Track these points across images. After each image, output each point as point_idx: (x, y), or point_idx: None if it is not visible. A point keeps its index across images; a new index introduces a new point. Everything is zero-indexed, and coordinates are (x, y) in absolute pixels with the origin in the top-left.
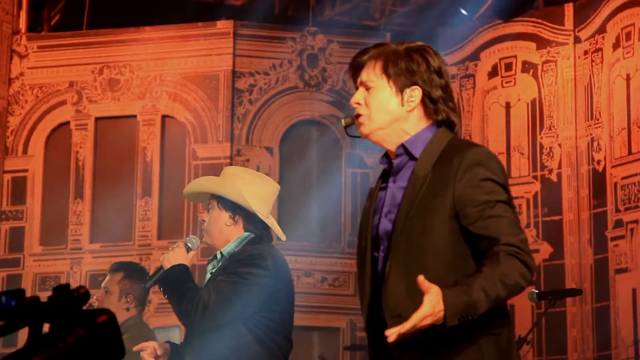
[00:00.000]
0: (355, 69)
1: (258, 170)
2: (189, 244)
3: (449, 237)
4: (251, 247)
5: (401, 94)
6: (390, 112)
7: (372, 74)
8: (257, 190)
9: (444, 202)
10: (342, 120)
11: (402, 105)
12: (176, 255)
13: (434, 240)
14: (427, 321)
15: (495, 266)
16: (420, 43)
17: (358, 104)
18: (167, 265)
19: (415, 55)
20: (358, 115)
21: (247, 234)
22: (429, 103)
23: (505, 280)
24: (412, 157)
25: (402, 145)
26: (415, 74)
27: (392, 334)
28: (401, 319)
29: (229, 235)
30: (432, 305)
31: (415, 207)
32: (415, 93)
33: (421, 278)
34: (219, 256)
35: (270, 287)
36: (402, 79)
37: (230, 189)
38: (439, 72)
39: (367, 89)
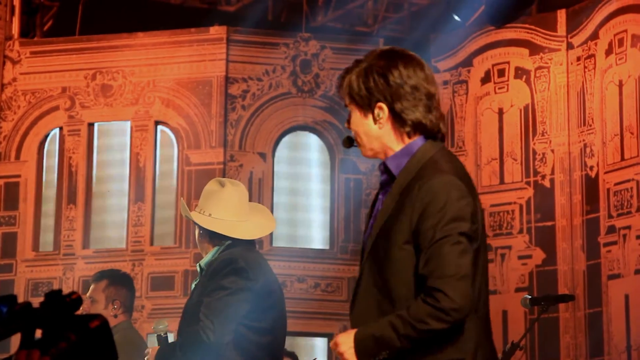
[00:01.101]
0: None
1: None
2: (160, 333)
3: (406, 261)
4: (222, 254)
5: (371, 113)
6: (367, 133)
7: (345, 99)
8: (220, 199)
9: (402, 229)
10: (343, 143)
11: (375, 124)
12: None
13: (394, 263)
14: (342, 349)
15: (409, 308)
16: (381, 52)
17: (349, 127)
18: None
19: (373, 72)
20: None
21: (217, 247)
22: (395, 116)
23: (414, 323)
24: (391, 176)
25: (383, 163)
26: (375, 91)
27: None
28: None
29: (207, 248)
30: (346, 336)
31: (381, 228)
32: (381, 110)
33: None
34: (198, 269)
35: (251, 287)
36: (365, 99)
37: (183, 209)
38: (401, 83)
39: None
